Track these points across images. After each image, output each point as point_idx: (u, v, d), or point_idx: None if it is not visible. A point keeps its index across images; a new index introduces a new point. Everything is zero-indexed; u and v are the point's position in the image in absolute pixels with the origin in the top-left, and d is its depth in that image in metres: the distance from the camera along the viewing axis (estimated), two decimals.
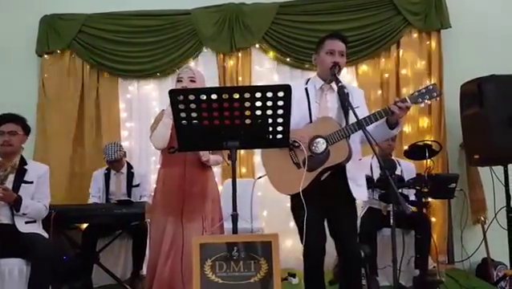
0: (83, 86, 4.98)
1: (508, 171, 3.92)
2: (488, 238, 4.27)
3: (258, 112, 1.90)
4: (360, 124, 2.32)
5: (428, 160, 3.50)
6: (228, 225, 3.21)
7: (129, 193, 4.17)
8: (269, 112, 1.90)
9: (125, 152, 4.31)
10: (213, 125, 1.92)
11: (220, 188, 4.72)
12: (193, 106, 1.86)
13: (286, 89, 1.83)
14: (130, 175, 4.25)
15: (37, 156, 4.74)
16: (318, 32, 4.78)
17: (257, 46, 4.92)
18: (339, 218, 2.56)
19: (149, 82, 5.04)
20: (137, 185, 4.23)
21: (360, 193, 2.53)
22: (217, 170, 4.89)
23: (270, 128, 1.96)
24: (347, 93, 2.46)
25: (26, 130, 3.27)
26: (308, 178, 2.45)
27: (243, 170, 4.82)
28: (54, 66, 5.02)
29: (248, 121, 1.92)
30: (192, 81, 2.84)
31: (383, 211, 3.84)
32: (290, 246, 4.60)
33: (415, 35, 4.79)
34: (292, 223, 4.85)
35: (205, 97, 1.83)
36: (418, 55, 4.77)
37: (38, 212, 3.12)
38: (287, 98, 1.85)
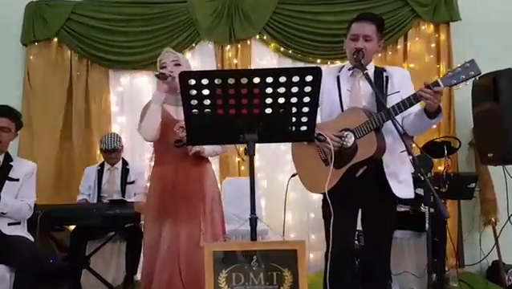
0: (71, 77, 4.65)
1: None
2: (499, 239, 4.07)
3: (281, 100, 1.64)
4: (388, 113, 2.08)
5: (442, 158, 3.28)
6: (229, 227, 2.95)
7: (123, 191, 3.89)
8: (293, 100, 1.64)
9: (123, 147, 4.04)
10: (228, 115, 1.66)
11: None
12: (205, 92, 1.60)
13: (316, 73, 1.57)
14: (125, 171, 3.97)
15: (21, 152, 4.42)
16: (322, 23, 4.59)
17: (257, 37, 4.65)
18: (373, 223, 2.34)
19: (142, 74, 4.74)
20: (132, 182, 3.95)
21: (403, 191, 2.28)
22: (214, 168, 4.62)
23: (294, 119, 1.71)
24: (387, 77, 2.23)
25: (19, 127, 3.00)
26: (336, 176, 2.24)
27: (242, 168, 4.56)
28: (41, 56, 4.68)
29: (268, 110, 1.66)
30: (177, 65, 2.56)
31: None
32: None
33: (423, 28, 4.57)
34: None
35: (220, 81, 1.57)
36: (426, 49, 4.55)
37: (19, 211, 2.82)
38: (316, 83, 1.60)
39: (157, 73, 2.45)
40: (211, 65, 4.65)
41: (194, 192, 2.49)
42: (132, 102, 4.71)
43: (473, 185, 3.28)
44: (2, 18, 4.75)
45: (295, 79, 1.58)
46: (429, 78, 4.32)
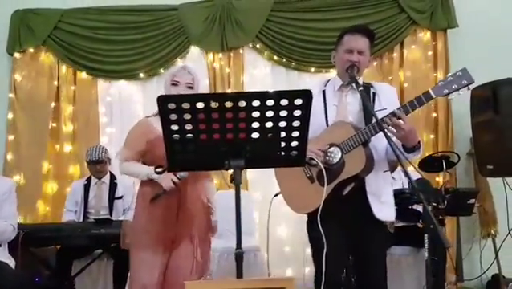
0: (59, 88, 4.53)
1: None
2: (499, 252, 3.96)
3: (269, 124, 1.52)
4: (379, 126, 1.97)
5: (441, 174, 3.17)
6: (221, 242, 2.79)
7: (111, 207, 3.76)
8: (282, 124, 1.52)
9: (110, 159, 3.90)
10: (212, 140, 1.54)
11: None
12: (187, 116, 1.47)
13: (306, 96, 1.45)
14: (113, 186, 3.83)
15: (6, 166, 4.30)
16: (317, 31, 4.48)
17: (250, 45, 4.54)
18: (363, 245, 2.21)
19: (132, 83, 4.61)
20: (120, 198, 3.81)
21: (384, 213, 2.16)
22: None
23: (283, 144, 1.58)
24: (374, 93, 2.14)
25: None
26: (322, 194, 2.10)
27: None
28: (27, 66, 4.55)
29: (255, 135, 1.54)
30: (190, 87, 2.38)
31: (389, 228, 3.50)
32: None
33: (420, 35, 4.46)
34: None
35: (202, 105, 1.45)
36: (423, 56, 4.44)
37: (2, 233, 2.68)
38: (306, 107, 1.47)
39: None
40: (202, 74, 4.52)
41: (187, 215, 2.34)
42: (122, 113, 4.59)
43: (473, 200, 3.17)
44: None
45: (284, 102, 1.46)
46: (426, 86, 4.20)
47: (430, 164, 3.22)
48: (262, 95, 1.46)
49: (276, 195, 2.28)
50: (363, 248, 2.22)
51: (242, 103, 1.45)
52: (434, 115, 4.39)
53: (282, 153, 1.61)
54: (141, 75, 4.54)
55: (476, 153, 4.01)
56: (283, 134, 1.55)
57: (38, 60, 4.58)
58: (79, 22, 4.56)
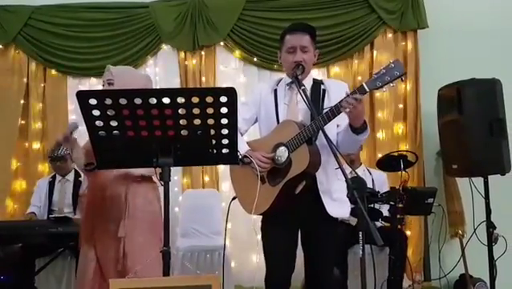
0: (28, 85, 4.49)
1: (488, 183, 3.63)
2: (466, 252, 3.99)
3: (197, 122, 1.51)
4: (317, 123, 1.98)
5: (403, 173, 3.18)
6: (187, 242, 2.75)
7: (75, 204, 3.73)
8: (210, 122, 1.52)
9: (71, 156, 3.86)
10: (140, 137, 1.53)
11: (179, 198, 4.31)
12: (111, 112, 1.46)
13: (230, 94, 1.45)
14: (77, 183, 3.81)
15: None
16: None
17: (222, 44, 4.52)
18: (313, 242, 2.23)
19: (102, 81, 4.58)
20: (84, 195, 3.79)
21: (337, 210, 2.16)
22: (176, 178, 4.45)
23: (214, 141, 1.58)
24: (324, 90, 2.16)
25: None
26: (272, 195, 2.12)
27: (206, 179, 4.41)
28: None
29: (184, 132, 1.53)
30: (109, 84, 2.38)
31: (351, 222, 3.51)
32: (257, 263, 4.23)
33: (390, 35, 4.46)
34: (259, 237, 4.48)
35: (125, 102, 1.44)
36: (393, 57, 4.37)
37: None
38: (232, 104, 1.47)
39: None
40: (174, 72, 4.51)
41: (116, 211, 2.29)
42: None
43: (431, 200, 3.18)
44: None
45: (209, 99, 1.46)
46: (396, 87, 4.26)
47: (389, 163, 3.23)
48: (187, 92, 1.46)
49: (235, 198, 2.29)
50: (317, 247, 2.22)
51: (167, 100, 1.44)
52: (403, 114, 4.40)
53: (214, 151, 1.61)
54: None
55: (442, 153, 4.04)
56: (213, 131, 1.55)
57: (7, 57, 4.52)
58: (49, 18, 4.51)
